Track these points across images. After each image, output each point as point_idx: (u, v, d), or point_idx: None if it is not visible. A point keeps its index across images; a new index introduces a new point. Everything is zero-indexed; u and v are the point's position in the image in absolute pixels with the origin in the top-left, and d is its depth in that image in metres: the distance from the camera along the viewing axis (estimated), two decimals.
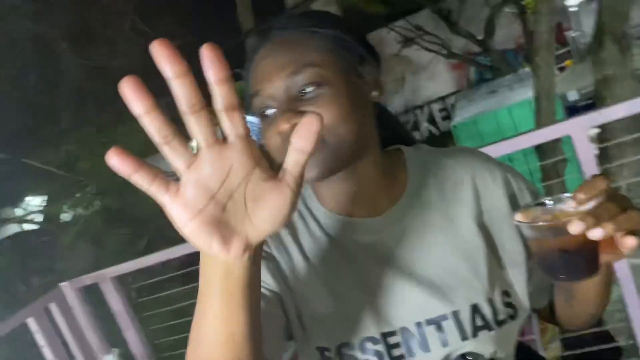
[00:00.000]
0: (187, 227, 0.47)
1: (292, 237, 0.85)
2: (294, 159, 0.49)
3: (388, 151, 0.90)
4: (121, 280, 2.46)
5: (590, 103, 6.92)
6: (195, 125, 0.45)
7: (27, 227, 8.51)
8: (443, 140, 10.50)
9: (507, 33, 10.71)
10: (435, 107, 12.07)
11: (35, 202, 8.70)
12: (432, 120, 12.15)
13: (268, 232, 0.50)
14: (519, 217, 0.69)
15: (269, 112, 0.79)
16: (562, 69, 9.10)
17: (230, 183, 0.47)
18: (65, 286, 2.40)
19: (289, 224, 0.87)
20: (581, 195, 0.64)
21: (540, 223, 0.66)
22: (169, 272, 2.77)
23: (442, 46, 10.55)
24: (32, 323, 2.23)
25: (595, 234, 0.61)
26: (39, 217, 8.05)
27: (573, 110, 7.11)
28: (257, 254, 0.55)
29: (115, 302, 2.43)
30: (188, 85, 0.43)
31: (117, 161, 0.44)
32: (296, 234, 0.86)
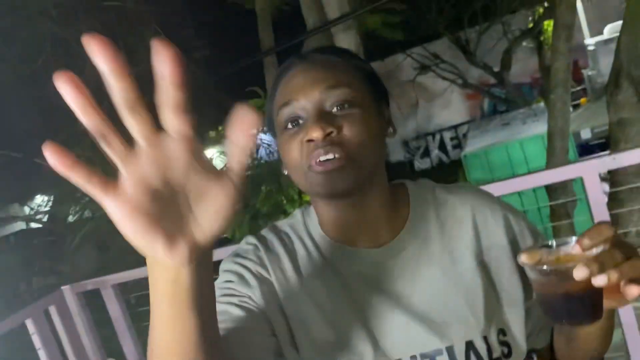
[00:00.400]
0: (128, 226, 0.45)
1: (291, 261, 0.86)
2: (236, 156, 0.47)
3: (392, 185, 0.92)
4: (122, 288, 2.45)
5: (603, 142, 6.90)
6: (131, 119, 0.44)
7: (33, 226, 8.54)
8: (453, 168, 10.49)
9: (523, 66, 10.76)
10: (447, 135, 12.11)
11: (43, 202, 8.74)
12: (443, 147, 12.17)
13: (213, 232, 0.48)
14: (523, 258, 0.69)
15: (300, 122, 0.81)
16: (576, 107, 9.10)
17: (171, 176, 0.46)
18: (66, 289, 2.39)
19: (289, 249, 0.87)
20: (586, 241, 0.64)
21: (545, 267, 0.66)
22: None
23: (457, 75, 10.61)
24: (30, 324, 2.21)
25: (599, 281, 0.61)
26: (46, 218, 8.08)
27: (585, 148, 7.09)
28: (206, 261, 0.53)
29: (114, 309, 2.41)
30: (123, 80, 0.43)
31: (50, 157, 0.42)
32: (296, 258, 0.87)
